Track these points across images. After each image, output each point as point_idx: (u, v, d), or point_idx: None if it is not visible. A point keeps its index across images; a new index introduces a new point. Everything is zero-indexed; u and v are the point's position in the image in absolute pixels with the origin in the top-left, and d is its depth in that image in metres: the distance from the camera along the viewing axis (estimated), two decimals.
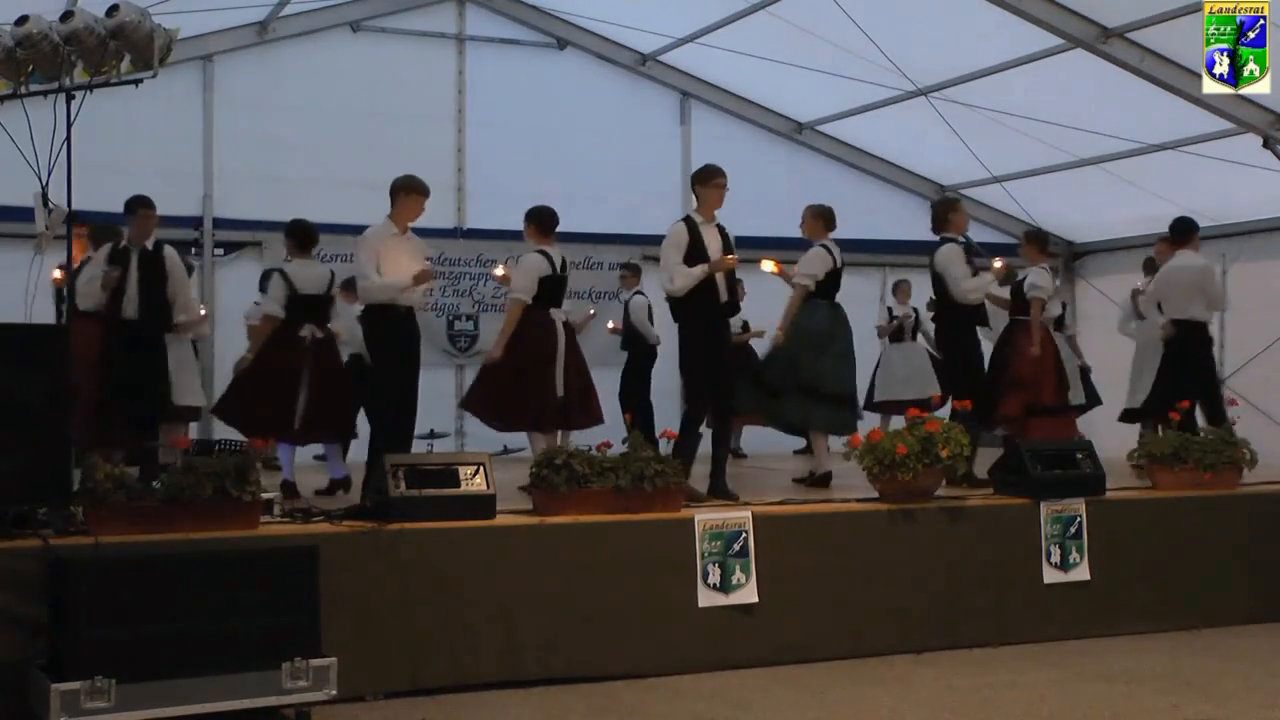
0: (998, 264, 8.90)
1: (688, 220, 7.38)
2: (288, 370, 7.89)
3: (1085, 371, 10.14)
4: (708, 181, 7.39)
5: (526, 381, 7.93)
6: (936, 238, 8.49)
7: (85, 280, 8.06)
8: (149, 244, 8.10)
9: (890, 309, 12.41)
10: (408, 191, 7.61)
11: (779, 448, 11.20)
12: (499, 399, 8.09)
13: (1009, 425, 8.84)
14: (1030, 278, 9.06)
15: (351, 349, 11.36)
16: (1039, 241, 9.45)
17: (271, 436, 7.58)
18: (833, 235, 8.55)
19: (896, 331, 12.09)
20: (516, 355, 7.94)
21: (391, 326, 7.45)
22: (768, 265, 8.66)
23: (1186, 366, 9.10)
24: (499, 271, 9.14)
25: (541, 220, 8.20)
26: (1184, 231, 9.29)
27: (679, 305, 7.32)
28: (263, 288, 9.49)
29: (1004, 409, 8.77)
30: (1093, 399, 10.02)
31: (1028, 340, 8.87)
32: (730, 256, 7.30)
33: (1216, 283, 9.53)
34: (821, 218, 8.54)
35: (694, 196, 7.54)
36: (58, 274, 8.60)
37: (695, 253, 7.23)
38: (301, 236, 8.26)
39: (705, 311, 7.27)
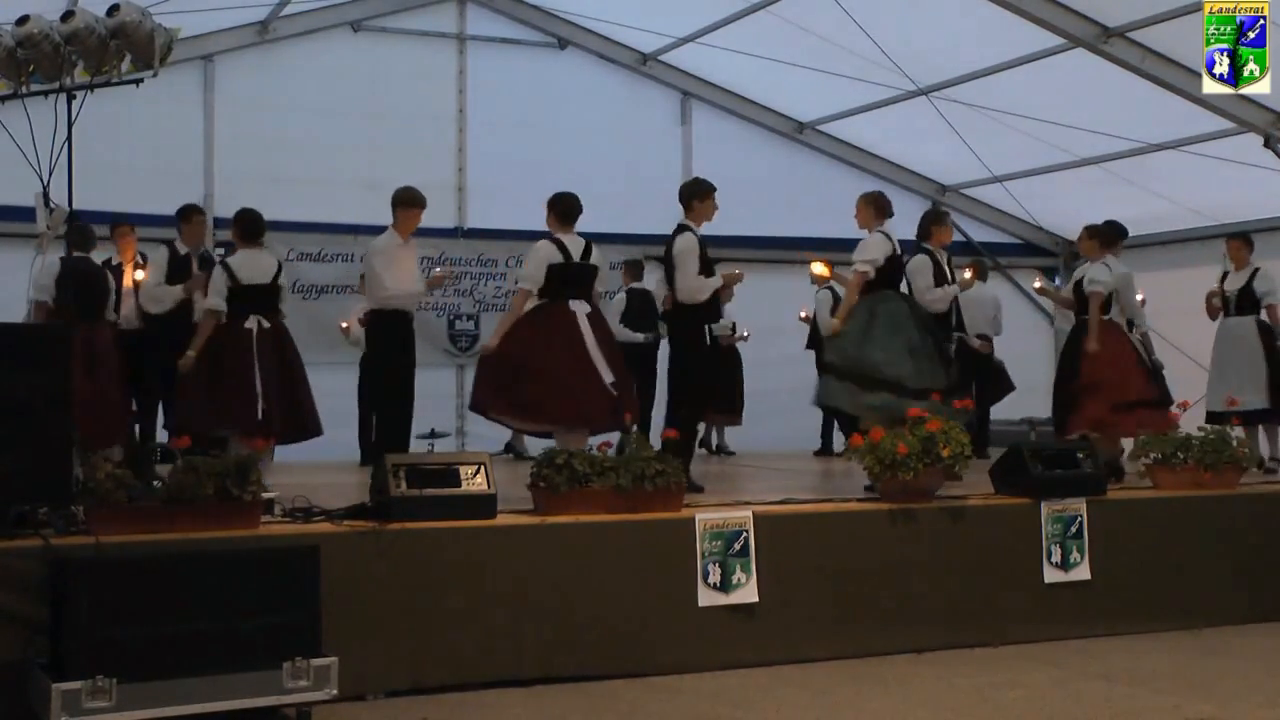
0: (967, 274, 8.83)
1: (693, 231, 7.68)
2: (240, 366, 7.57)
3: (1157, 369, 9.33)
4: (707, 196, 7.72)
5: (526, 376, 7.26)
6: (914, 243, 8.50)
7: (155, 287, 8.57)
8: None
9: None
10: (408, 205, 8.14)
11: (778, 448, 11.20)
12: (510, 391, 7.38)
13: (1098, 428, 8.37)
14: (1089, 273, 8.65)
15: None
16: (1099, 236, 8.90)
17: (239, 437, 7.29)
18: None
19: None
20: (517, 346, 7.28)
21: (405, 329, 8.23)
22: (819, 268, 8.53)
23: None
24: (437, 272, 9.13)
25: (554, 207, 7.59)
26: (1121, 235, 9.07)
27: (682, 312, 7.63)
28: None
29: (1087, 412, 8.39)
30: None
31: (1087, 339, 8.48)
32: (739, 271, 7.90)
33: None
34: (873, 204, 8.02)
35: (688, 208, 7.73)
36: (140, 276, 8.89)
37: (705, 263, 7.62)
38: (249, 226, 7.93)
39: (704, 317, 7.67)
